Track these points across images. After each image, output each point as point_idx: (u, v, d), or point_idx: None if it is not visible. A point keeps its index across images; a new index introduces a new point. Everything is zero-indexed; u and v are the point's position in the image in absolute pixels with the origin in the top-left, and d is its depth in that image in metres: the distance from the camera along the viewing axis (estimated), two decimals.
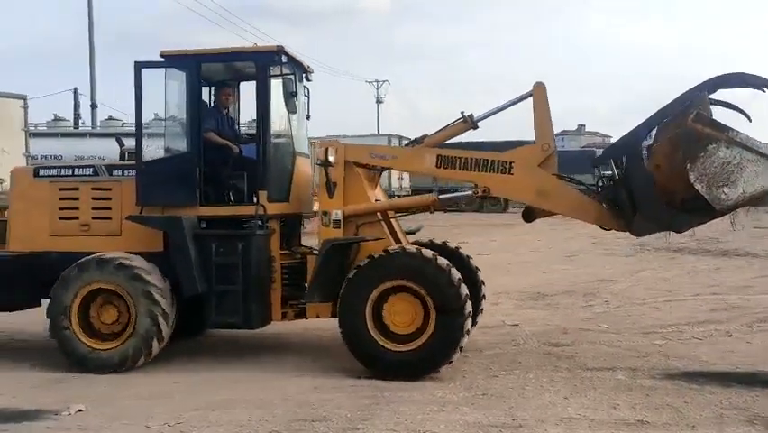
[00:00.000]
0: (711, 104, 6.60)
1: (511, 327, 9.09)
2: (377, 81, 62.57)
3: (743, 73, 6.54)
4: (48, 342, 7.27)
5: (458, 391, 6.26)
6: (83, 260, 7.04)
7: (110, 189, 7.57)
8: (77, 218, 7.58)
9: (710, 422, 5.46)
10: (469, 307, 6.64)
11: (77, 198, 7.60)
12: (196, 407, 5.86)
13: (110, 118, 34.17)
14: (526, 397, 6.13)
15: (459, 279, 6.63)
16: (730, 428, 5.33)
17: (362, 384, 6.49)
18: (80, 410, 5.81)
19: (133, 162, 7.64)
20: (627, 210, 6.69)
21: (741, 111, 6.66)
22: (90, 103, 34.22)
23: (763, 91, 6.43)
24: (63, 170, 7.90)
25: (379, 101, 63.07)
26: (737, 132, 6.15)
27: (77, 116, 37.77)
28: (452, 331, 6.54)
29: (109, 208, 7.55)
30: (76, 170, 7.84)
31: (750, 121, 6.54)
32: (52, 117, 34.85)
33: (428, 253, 6.80)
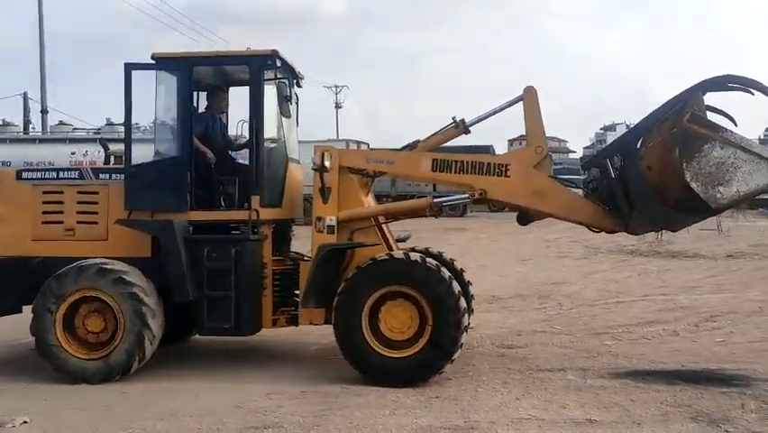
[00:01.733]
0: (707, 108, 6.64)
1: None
2: (335, 86, 62.44)
3: (731, 75, 6.62)
4: None
5: (411, 394, 6.28)
6: (62, 270, 6.86)
7: (96, 193, 7.40)
8: (61, 222, 7.39)
9: (656, 419, 5.59)
10: (463, 302, 6.66)
11: (61, 202, 7.42)
12: (143, 417, 5.75)
13: (60, 123, 33.47)
14: (479, 399, 6.19)
15: (459, 291, 6.65)
16: (675, 424, 5.47)
17: (315, 390, 6.46)
18: (25, 422, 5.66)
19: (121, 166, 7.48)
20: (624, 210, 6.74)
21: (727, 115, 6.74)
22: (40, 108, 33.43)
23: (752, 94, 6.52)
24: (47, 173, 7.74)
25: (338, 106, 62.94)
26: (732, 132, 6.28)
27: (26, 121, 36.86)
28: (451, 328, 6.54)
29: (95, 213, 7.38)
30: (60, 173, 7.69)
31: (735, 125, 6.63)
32: (1, 122, 33.96)
33: (416, 255, 6.84)
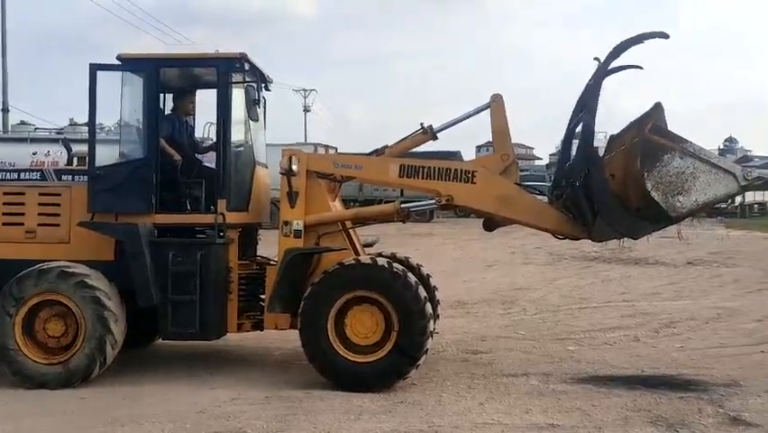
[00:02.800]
0: (616, 71, 6.90)
1: None
2: (304, 90, 62.16)
3: (640, 34, 6.75)
4: None
5: (376, 399, 6.29)
6: (23, 273, 6.72)
7: (59, 195, 7.27)
8: (21, 224, 7.24)
9: (616, 424, 5.69)
10: (429, 308, 6.68)
11: (22, 204, 7.27)
12: (104, 423, 5.65)
13: (22, 123, 32.75)
14: (443, 404, 6.22)
15: (425, 297, 6.67)
16: (634, 429, 5.58)
17: (279, 395, 6.42)
18: None
19: (84, 168, 7.37)
20: (588, 217, 6.84)
21: (635, 66, 7.02)
22: (1, 107, 32.63)
23: (666, 37, 6.69)
24: (8, 174, 7.60)
25: (306, 110, 62.63)
26: (691, 143, 6.44)
27: None
28: (416, 334, 6.56)
29: (57, 215, 7.24)
30: (22, 174, 7.55)
31: (641, 69, 7.04)
32: None
33: (383, 261, 6.84)
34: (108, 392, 6.62)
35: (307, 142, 34.19)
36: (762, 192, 41.01)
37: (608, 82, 6.85)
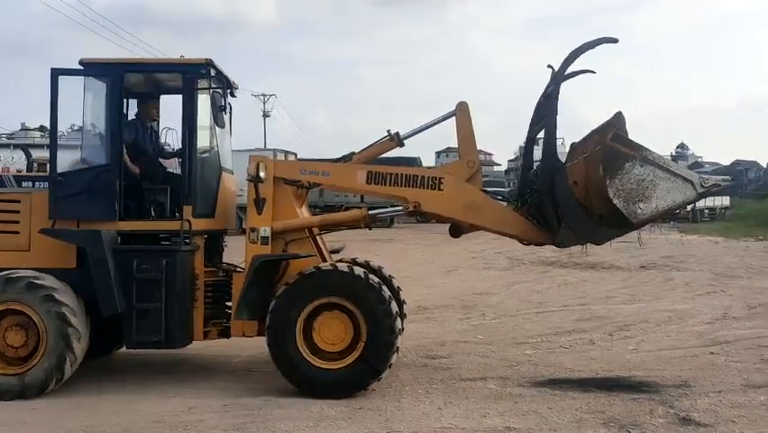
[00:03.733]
0: (571, 76, 7.05)
1: None
2: (263, 95, 61.66)
3: (592, 40, 6.94)
4: None
5: (335, 405, 6.30)
6: None
7: (18, 202, 7.08)
8: None
9: (571, 426, 5.82)
10: (399, 323, 6.71)
11: None
12: None
13: None
14: (402, 409, 6.27)
15: (396, 312, 6.68)
16: (588, 430, 5.71)
17: (237, 403, 6.40)
18: None
19: (45, 174, 7.21)
20: (553, 223, 6.95)
21: (589, 71, 7.22)
22: None
23: (615, 41, 6.89)
24: None
25: (265, 115, 62.13)
26: (651, 151, 6.60)
27: None
28: (383, 347, 6.58)
29: (17, 222, 7.05)
30: None
31: (594, 73, 7.27)
32: None
33: (360, 270, 6.83)
34: (63, 403, 6.49)
35: (267, 147, 33.92)
36: (712, 198, 42.21)
37: (566, 90, 7.01)
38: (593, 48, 6.92)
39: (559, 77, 6.95)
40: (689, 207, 42.08)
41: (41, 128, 34.02)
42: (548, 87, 7.17)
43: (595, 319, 10.79)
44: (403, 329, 7.35)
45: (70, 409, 6.28)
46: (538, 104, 7.49)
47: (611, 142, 6.53)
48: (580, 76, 7.25)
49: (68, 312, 6.54)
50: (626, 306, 12.07)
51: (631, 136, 6.72)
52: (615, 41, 6.94)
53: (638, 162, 6.51)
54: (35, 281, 6.56)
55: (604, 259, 17.94)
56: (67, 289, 6.67)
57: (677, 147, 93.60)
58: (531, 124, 7.67)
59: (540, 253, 17.96)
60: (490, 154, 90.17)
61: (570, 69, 6.99)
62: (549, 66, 7.14)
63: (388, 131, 7.64)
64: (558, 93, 6.94)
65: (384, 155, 7.89)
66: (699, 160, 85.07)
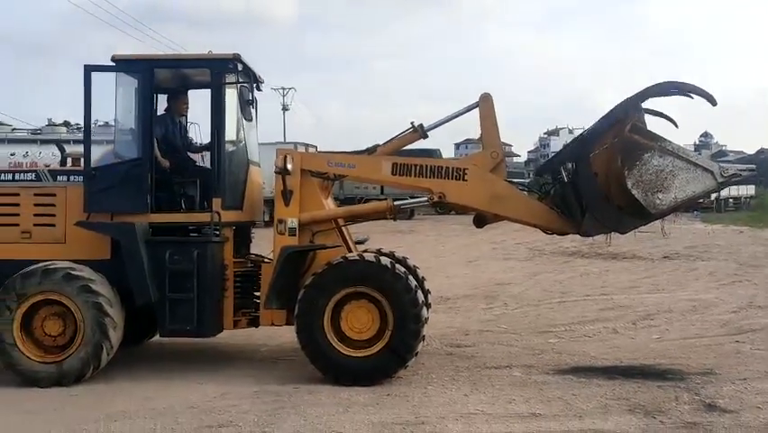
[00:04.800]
0: (649, 112, 6.96)
1: None
2: (283, 89, 61.85)
3: (673, 82, 6.94)
4: None
5: (363, 392, 6.42)
6: (27, 269, 6.76)
7: (54, 195, 7.30)
8: (17, 225, 7.26)
9: (596, 412, 5.88)
10: (424, 312, 6.82)
11: (17, 204, 7.30)
12: (95, 419, 5.73)
13: None
14: (429, 396, 6.37)
15: (422, 301, 6.80)
16: (613, 416, 5.77)
17: (267, 390, 6.54)
18: None
19: (79, 168, 7.42)
20: (576, 212, 7.00)
21: (669, 118, 7.11)
22: None
23: (691, 97, 6.84)
24: (2, 174, 7.62)
25: (285, 108, 62.36)
26: (670, 141, 6.62)
27: None
28: (409, 336, 6.69)
29: (53, 215, 7.27)
30: (16, 175, 7.57)
31: (677, 127, 7.05)
32: None
33: (386, 260, 6.93)
34: (100, 389, 6.69)
35: (286, 141, 34.08)
36: (736, 187, 41.77)
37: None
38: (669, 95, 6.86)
39: (632, 103, 6.80)
40: (713, 197, 41.85)
41: (66, 123, 34.55)
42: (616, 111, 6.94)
43: (618, 309, 10.82)
44: (428, 318, 7.43)
45: (107, 395, 6.48)
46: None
47: (629, 133, 6.56)
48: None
49: (104, 302, 6.72)
50: (649, 295, 12.07)
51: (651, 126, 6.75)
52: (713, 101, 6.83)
53: (657, 153, 6.53)
54: (72, 272, 6.75)
55: (626, 249, 17.89)
56: (102, 279, 6.85)
57: (700, 136, 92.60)
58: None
59: (561, 243, 18.00)
60: (509, 145, 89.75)
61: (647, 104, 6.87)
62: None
63: (411, 122, 7.72)
64: (620, 117, 6.76)
65: (404, 147, 7.98)
66: (724, 148, 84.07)
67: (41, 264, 6.80)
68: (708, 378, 6.85)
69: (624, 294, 12.18)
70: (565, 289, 12.95)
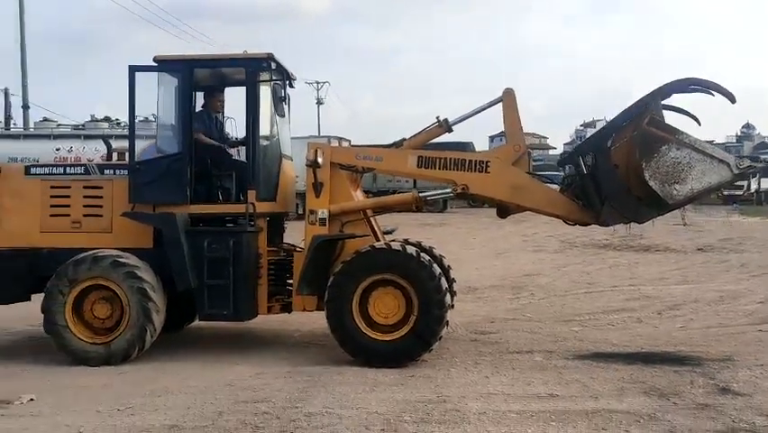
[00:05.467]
0: (664, 109, 7.19)
1: None
2: (317, 82, 62.33)
3: (693, 78, 7.15)
4: None
5: (388, 373, 6.77)
6: (79, 256, 7.29)
7: (101, 188, 7.83)
8: (68, 215, 7.82)
9: (612, 394, 6.12)
10: (448, 299, 7.14)
11: (68, 196, 7.85)
12: (141, 394, 6.19)
13: (45, 120, 33.47)
14: (451, 377, 6.69)
15: (446, 288, 7.13)
16: (628, 398, 5.99)
17: (299, 370, 6.94)
18: (32, 399, 6.10)
19: (124, 162, 7.93)
20: (596, 203, 7.26)
21: (691, 115, 7.30)
22: (22, 104, 33.41)
23: (712, 95, 7.03)
24: (55, 168, 8.19)
25: (319, 102, 62.88)
26: (687, 134, 6.86)
27: (7, 117, 36.80)
28: (433, 321, 7.02)
29: (101, 206, 7.81)
30: (67, 168, 8.14)
31: (699, 124, 7.24)
32: None
33: (412, 249, 7.29)
34: (145, 368, 7.19)
35: (321, 134, 34.46)
36: None
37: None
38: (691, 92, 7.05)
39: (653, 99, 7.03)
40: (752, 189, 41.05)
41: (107, 119, 35.53)
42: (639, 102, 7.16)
43: (644, 299, 10.95)
44: (453, 306, 7.75)
45: (151, 374, 6.97)
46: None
47: (647, 126, 6.79)
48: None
49: (148, 288, 7.22)
50: (677, 286, 12.16)
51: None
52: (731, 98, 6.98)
53: (674, 146, 6.76)
54: (119, 259, 7.26)
55: (659, 241, 17.86)
56: (146, 266, 7.35)
57: (742, 127, 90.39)
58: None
59: (592, 236, 18.03)
60: (545, 138, 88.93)
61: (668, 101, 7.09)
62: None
63: (437, 117, 8.04)
64: (640, 111, 7.00)
65: (437, 140, 8.31)
66: (766, 140, 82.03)
67: (90, 252, 7.33)
68: (725, 364, 7.00)
69: (651, 285, 12.29)
70: (593, 280, 13.10)
